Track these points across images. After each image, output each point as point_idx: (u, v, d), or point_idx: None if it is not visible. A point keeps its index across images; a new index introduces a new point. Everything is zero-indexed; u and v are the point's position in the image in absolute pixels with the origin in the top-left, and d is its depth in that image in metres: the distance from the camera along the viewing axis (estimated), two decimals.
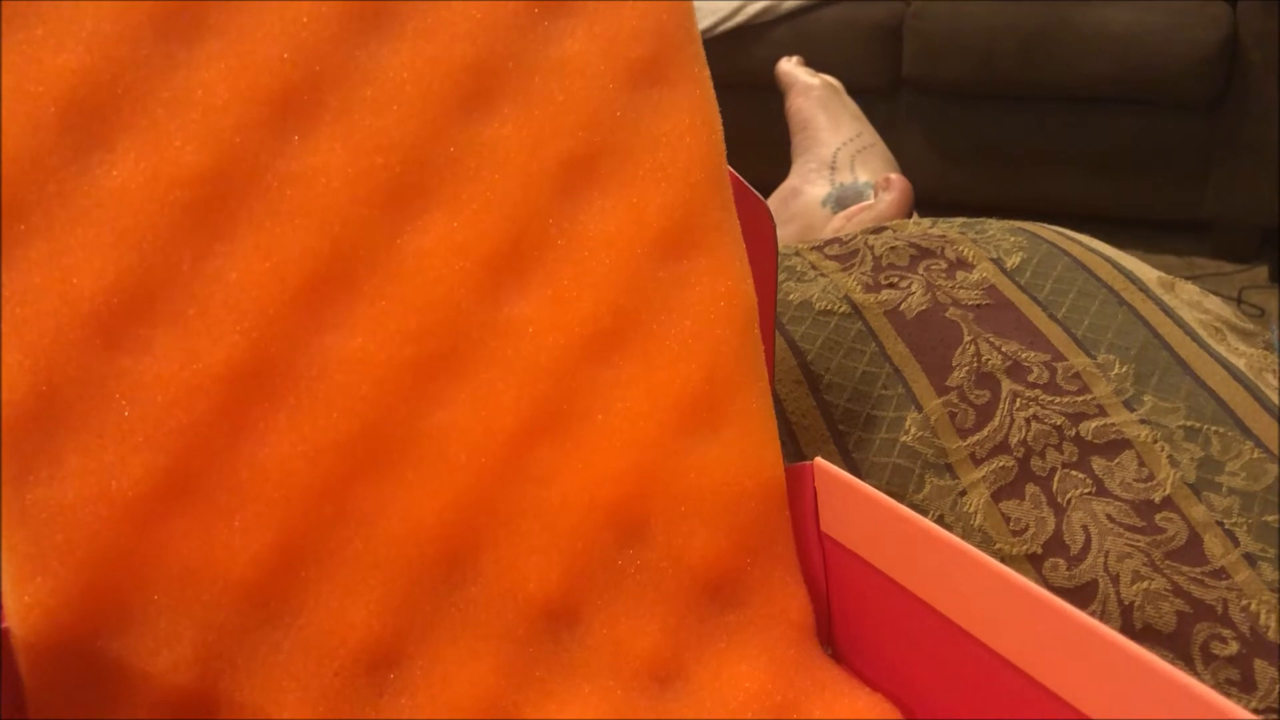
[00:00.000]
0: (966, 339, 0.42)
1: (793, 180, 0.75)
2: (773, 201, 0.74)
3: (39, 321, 0.28)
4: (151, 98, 0.30)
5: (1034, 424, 0.39)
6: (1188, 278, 1.85)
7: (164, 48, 0.30)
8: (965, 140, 2.01)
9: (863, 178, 0.73)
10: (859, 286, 0.46)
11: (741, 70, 1.90)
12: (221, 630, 0.29)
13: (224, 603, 0.29)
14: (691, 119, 0.34)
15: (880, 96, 2.02)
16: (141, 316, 0.29)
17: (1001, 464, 0.38)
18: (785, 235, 0.71)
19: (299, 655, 0.30)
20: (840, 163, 0.74)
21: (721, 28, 2.03)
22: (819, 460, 0.35)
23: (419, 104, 0.32)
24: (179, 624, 0.29)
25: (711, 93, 0.35)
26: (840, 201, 0.71)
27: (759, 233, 0.36)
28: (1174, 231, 1.99)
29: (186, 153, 0.30)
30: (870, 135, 0.76)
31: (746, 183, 0.36)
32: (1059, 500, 0.37)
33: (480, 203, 0.32)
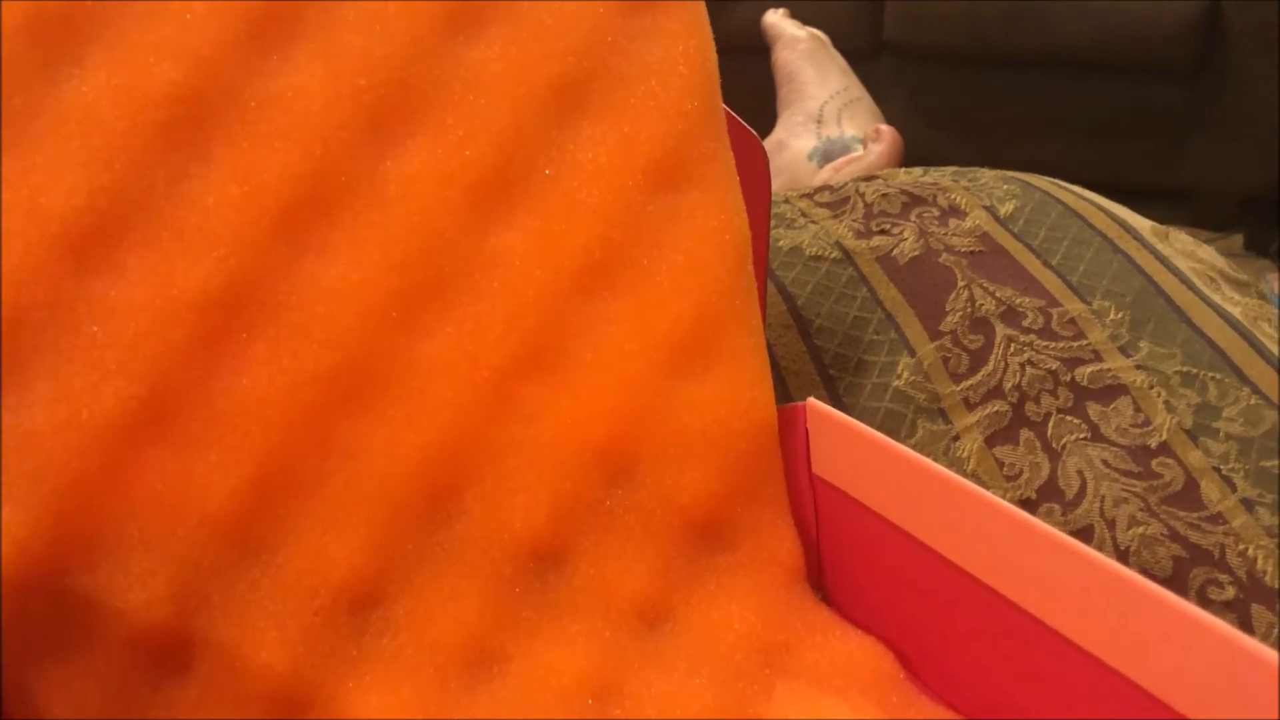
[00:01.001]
0: (960, 284, 0.41)
1: (778, 134, 0.74)
2: None
3: (6, 241, 0.27)
4: (123, 11, 0.28)
5: (1029, 369, 0.38)
6: None
7: None
8: (947, 104, 2.00)
9: (849, 131, 0.72)
10: (850, 233, 0.45)
11: (723, 32, 1.87)
12: (197, 567, 0.28)
13: (200, 538, 0.28)
14: (685, 45, 0.33)
15: (862, 59, 1.99)
16: (114, 239, 0.28)
17: (995, 409, 0.37)
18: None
19: (278, 593, 0.29)
20: (827, 116, 0.73)
21: None
22: (812, 400, 0.34)
23: (402, 23, 0.31)
24: (153, 559, 0.28)
25: (705, 20, 0.33)
26: (826, 155, 0.70)
27: (752, 168, 0.35)
28: (1151, 198, 1.99)
29: (161, 69, 0.28)
30: (857, 89, 0.75)
31: (738, 117, 0.35)
32: (1054, 445, 0.36)
33: (466, 128, 0.31)
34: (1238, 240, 1.88)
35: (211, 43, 0.29)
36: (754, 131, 0.36)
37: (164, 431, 0.28)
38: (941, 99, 1.99)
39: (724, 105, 0.34)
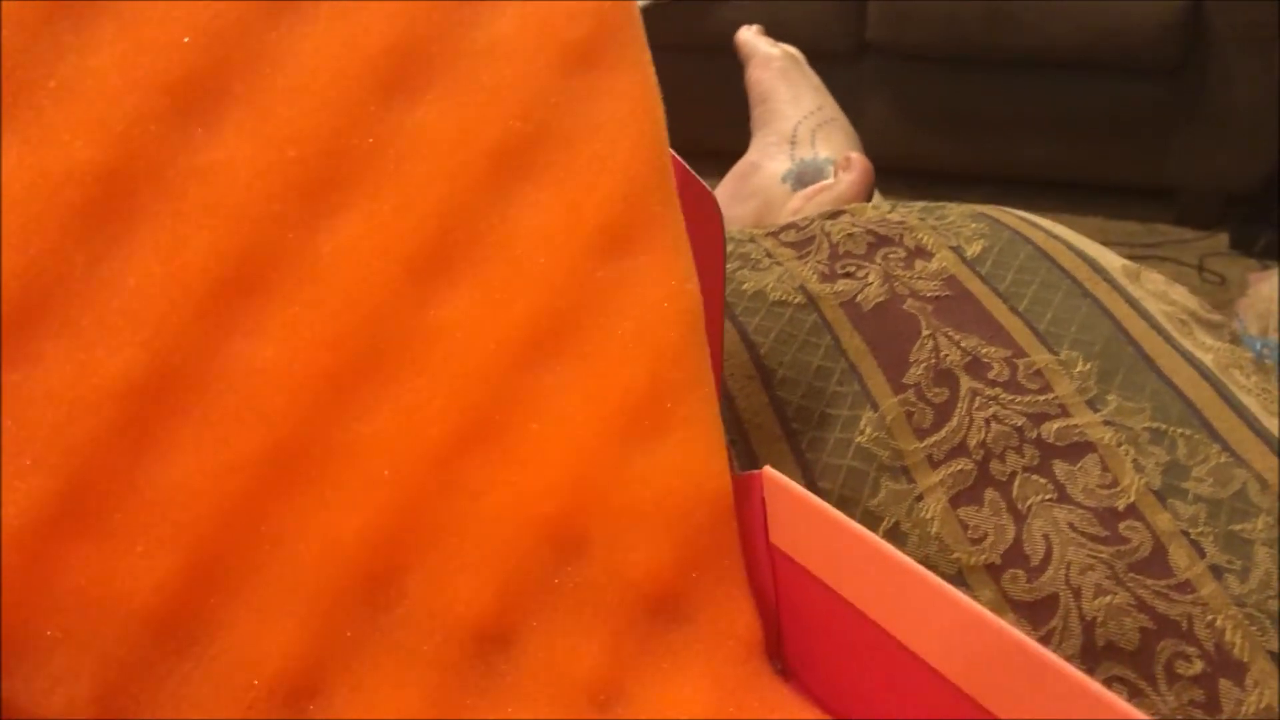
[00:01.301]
0: (925, 333, 0.40)
1: (752, 155, 0.73)
2: (731, 178, 0.71)
3: None
4: (37, 87, 0.27)
5: (994, 424, 0.37)
6: (1149, 245, 1.84)
7: (50, 32, 0.27)
8: (930, 105, 1.99)
9: (823, 153, 0.70)
10: (815, 276, 0.44)
11: (704, 33, 1.86)
12: (124, 664, 0.27)
13: (127, 634, 0.27)
14: (632, 106, 0.32)
15: (845, 60, 1.99)
16: (31, 326, 0.27)
17: (960, 467, 0.36)
18: (744, 212, 0.69)
19: (209, 688, 0.28)
20: (800, 137, 0.72)
21: None
22: (767, 470, 0.33)
23: (334, 91, 0.30)
24: (77, 659, 0.27)
25: (653, 78, 0.32)
26: (800, 178, 0.69)
27: (705, 225, 0.34)
28: (1137, 198, 1.99)
29: (77, 147, 0.27)
30: (832, 109, 0.74)
31: (691, 170, 0.34)
32: (1019, 507, 0.35)
33: (403, 197, 0.30)
34: (1223, 239, 1.87)
35: (131, 118, 0.28)
36: (707, 185, 0.35)
37: (86, 525, 0.27)
38: (925, 99, 1.98)
39: (676, 155, 0.33)
